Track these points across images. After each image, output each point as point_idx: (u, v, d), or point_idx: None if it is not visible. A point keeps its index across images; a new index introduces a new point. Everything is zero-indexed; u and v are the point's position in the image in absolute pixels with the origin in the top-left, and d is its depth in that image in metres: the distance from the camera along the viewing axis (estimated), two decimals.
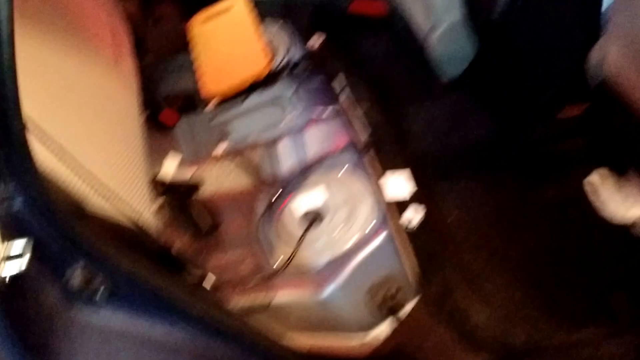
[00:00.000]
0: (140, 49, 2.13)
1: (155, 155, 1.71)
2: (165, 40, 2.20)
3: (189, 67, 2.07)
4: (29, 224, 0.79)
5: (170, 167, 1.69)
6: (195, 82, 2.00)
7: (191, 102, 1.93)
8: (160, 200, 1.58)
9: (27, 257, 0.77)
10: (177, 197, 1.60)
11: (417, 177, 1.70)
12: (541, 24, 1.56)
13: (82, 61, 1.33)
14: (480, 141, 1.87)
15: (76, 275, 0.83)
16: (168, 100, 1.91)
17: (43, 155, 0.89)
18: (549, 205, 1.73)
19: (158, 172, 1.68)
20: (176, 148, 1.80)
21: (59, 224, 0.80)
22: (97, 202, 1.01)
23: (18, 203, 0.77)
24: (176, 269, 1.11)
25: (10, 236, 0.77)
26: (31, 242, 0.78)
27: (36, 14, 1.26)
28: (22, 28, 1.15)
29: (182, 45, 2.17)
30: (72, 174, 0.95)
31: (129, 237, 1.06)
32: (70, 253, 0.82)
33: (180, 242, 1.57)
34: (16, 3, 1.13)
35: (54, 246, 0.81)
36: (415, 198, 1.61)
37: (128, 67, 1.58)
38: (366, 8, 2.31)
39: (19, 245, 0.77)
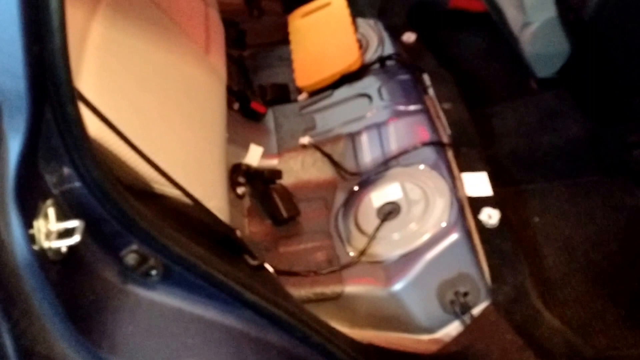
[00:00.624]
0: (242, 40, 2.22)
1: (244, 142, 1.78)
2: (266, 33, 2.28)
3: (286, 60, 2.14)
4: (86, 205, 0.81)
5: (256, 155, 1.76)
6: (289, 74, 2.06)
7: (284, 93, 1.99)
8: (243, 186, 1.65)
9: (81, 233, 0.78)
10: (260, 183, 1.66)
11: (499, 178, 1.67)
12: (634, 21, 1.50)
13: (169, 48, 1.40)
14: (571, 142, 1.82)
15: (131, 255, 0.86)
16: (261, 91, 1.98)
17: (107, 137, 0.93)
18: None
19: (242, 158, 1.74)
20: (264, 137, 1.87)
21: (114, 206, 0.82)
22: (163, 184, 1.06)
23: (75, 183, 0.79)
24: (236, 253, 1.16)
25: (65, 216, 0.78)
26: (84, 222, 0.79)
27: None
28: (109, 10, 1.22)
29: (281, 38, 2.24)
30: (136, 156, 0.99)
31: (192, 219, 1.11)
32: (125, 234, 0.85)
33: (258, 228, 1.62)
34: None
35: (110, 226, 0.83)
36: (494, 199, 1.58)
37: (218, 57, 1.65)
38: (466, 4, 2.29)
39: (74, 224, 0.78)
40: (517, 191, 1.75)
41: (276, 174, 1.68)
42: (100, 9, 1.21)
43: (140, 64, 1.25)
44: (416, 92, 1.84)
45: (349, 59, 1.95)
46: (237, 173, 1.65)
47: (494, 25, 2.04)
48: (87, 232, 0.80)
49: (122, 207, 0.83)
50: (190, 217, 1.11)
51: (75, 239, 0.77)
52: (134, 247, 0.86)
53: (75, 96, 0.76)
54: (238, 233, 1.16)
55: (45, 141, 0.77)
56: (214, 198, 1.26)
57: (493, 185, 1.63)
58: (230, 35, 2.12)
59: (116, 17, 1.24)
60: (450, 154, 1.68)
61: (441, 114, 1.79)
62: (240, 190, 1.64)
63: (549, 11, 1.75)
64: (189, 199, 1.06)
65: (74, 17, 1.10)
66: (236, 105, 1.84)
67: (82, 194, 0.80)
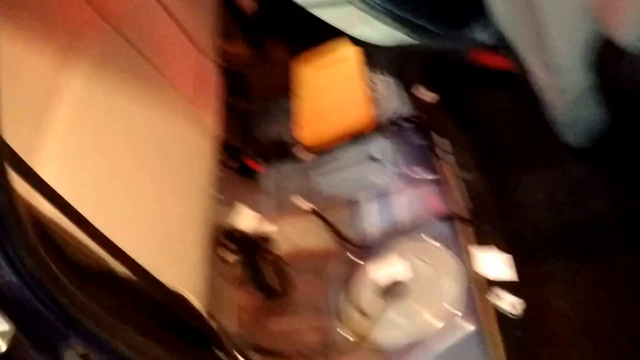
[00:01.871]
0: (246, 90, 2.06)
1: (237, 202, 1.61)
2: (270, 83, 2.12)
3: (288, 112, 1.97)
4: (22, 301, 0.70)
5: (250, 219, 1.58)
6: (291, 129, 1.88)
7: (286, 150, 1.82)
8: (235, 253, 1.46)
9: (9, 340, 0.69)
10: (251, 251, 1.48)
11: (521, 255, 1.47)
12: None
13: (152, 103, 1.25)
14: (602, 220, 1.61)
15: (69, 354, 0.73)
16: (262, 147, 1.80)
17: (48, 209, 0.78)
18: None
19: (234, 222, 1.56)
20: (262, 198, 1.69)
21: (53, 300, 0.71)
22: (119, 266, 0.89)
23: (10, 277, 0.69)
24: (206, 345, 0.97)
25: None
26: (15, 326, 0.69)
27: (110, 49, 1.19)
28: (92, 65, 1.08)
29: (286, 88, 2.08)
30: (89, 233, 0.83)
31: (158, 306, 0.93)
32: (65, 331, 0.73)
33: (248, 300, 1.43)
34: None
35: (48, 323, 0.72)
36: (517, 284, 1.38)
37: (209, 112, 1.48)
38: (489, 60, 2.11)
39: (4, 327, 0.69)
40: (540, 271, 1.54)
41: (270, 242, 1.49)
42: (82, 64, 1.06)
43: (117, 123, 1.12)
44: (432, 158, 1.66)
45: (360, 118, 1.79)
46: (229, 238, 1.46)
47: (519, 85, 1.86)
48: (23, 331, 0.70)
49: (61, 302, 0.72)
50: (155, 303, 0.92)
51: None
52: (75, 345, 0.74)
53: (7, 182, 0.66)
54: (212, 324, 0.96)
55: None
56: (190, 278, 1.08)
57: (515, 265, 1.42)
58: (233, 85, 1.97)
59: (97, 73, 1.09)
60: (467, 230, 1.47)
61: (459, 184, 1.59)
62: (230, 257, 1.46)
63: (587, 77, 1.56)
64: (154, 286, 0.88)
65: (41, 71, 0.99)
66: (232, 163, 1.66)
67: (17, 288, 0.69)
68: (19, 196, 0.71)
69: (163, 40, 1.43)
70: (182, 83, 1.42)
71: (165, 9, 1.52)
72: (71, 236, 0.86)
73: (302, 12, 2.13)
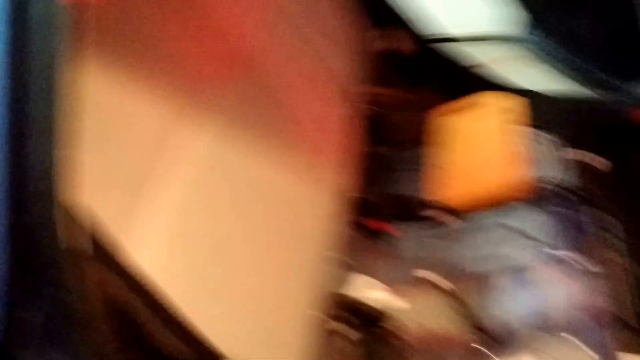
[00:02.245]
0: (387, 136, 1.90)
1: (364, 269, 1.44)
2: (417, 130, 1.93)
3: (432, 166, 1.77)
4: None
5: (375, 289, 1.40)
6: (434, 186, 1.68)
7: (415, 208, 1.62)
8: (339, 322, 1.29)
9: None
10: (361, 323, 1.30)
11: None
12: None
13: (276, 158, 1.12)
14: None
15: None
16: (396, 204, 1.62)
17: None
18: None
19: (358, 292, 1.39)
20: (379, 261, 1.51)
21: None
22: None
23: None
24: None
25: None
26: None
27: (243, 98, 1.08)
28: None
29: (433, 137, 1.89)
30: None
31: None
32: None
33: None
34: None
35: None
36: None
37: (340, 165, 1.33)
38: None
39: None
40: None
41: (381, 315, 1.31)
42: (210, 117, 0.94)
43: (233, 185, 0.97)
44: (595, 243, 1.38)
45: (514, 182, 1.55)
46: (336, 305, 1.30)
47: None
48: None
49: None
50: None
51: None
52: None
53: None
54: None
55: None
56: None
57: None
58: (375, 130, 1.82)
59: (226, 128, 0.97)
60: (630, 340, 1.20)
61: (628, 280, 1.32)
62: (352, 334, 1.29)
63: None
64: None
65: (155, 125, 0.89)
66: (363, 222, 1.50)
67: None
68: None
69: (300, 83, 1.31)
70: (316, 133, 1.28)
71: (309, 45, 1.40)
72: None
73: (461, 55, 1.95)
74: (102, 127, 0.75)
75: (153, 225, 0.87)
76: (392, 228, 1.54)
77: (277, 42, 1.27)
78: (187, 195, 0.93)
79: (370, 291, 1.39)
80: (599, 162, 1.63)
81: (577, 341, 1.20)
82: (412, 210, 1.63)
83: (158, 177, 0.90)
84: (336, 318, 1.30)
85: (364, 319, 1.31)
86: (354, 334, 1.30)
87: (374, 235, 1.54)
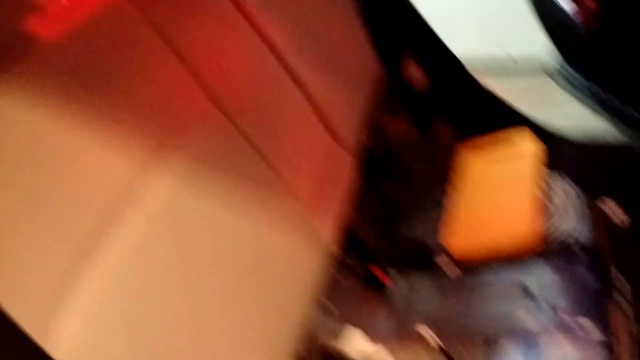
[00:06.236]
0: (399, 174, 1.82)
1: (351, 317, 1.36)
2: (430, 170, 1.85)
3: (442, 210, 1.69)
4: None
5: (355, 340, 1.32)
6: (438, 230, 1.60)
7: (423, 256, 1.53)
8: None
9: None
10: None
11: None
12: None
13: (254, 210, 1.05)
14: None
15: None
16: (397, 249, 1.54)
17: None
18: None
19: (343, 345, 1.31)
20: (379, 313, 1.43)
21: None
22: None
23: None
24: None
25: None
26: None
27: (216, 144, 1.01)
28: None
29: (447, 178, 1.80)
30: None
31: None
32: None
33: None
34: None
35: None
36: None
37: (328, 219, 1.25)
38: None
39: None
40: None
41: None
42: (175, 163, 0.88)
43: (202, 238, 0.90)
44: (599, 306, 1.28)
45: (525, 234, 1.46)
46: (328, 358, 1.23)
47: None
48: None
49: None
50: None
51: None
52: None
53: None
54: None
55: None
56: None
57: None
58: (388, 167, 1.75)
59: (191, 175, 0.91)
60: None
61: (632, 347, 1.21)
62: None
63: None
64: None
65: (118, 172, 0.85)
66: (357, 265, 1.42)
67: None
68: None
69: (291, 128, 1.24)
70: (303, 182, 1.21)
71: (304, 87, 1.33)
72: None
73: (478, 89, 1.85)
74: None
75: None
76: (391, 278, 1.45)
77: (268, 82, 1.19)
78: (141, 251, 0.86)
79: (360, 344, 1.31)
80: (619, 216, 1.52)
81: None
82: (418, 258, 1.54)
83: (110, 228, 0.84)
84: None
85: None
86: None
87: (372, 282, 1.44)
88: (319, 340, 1.24)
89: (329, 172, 1.29)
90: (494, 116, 1.82)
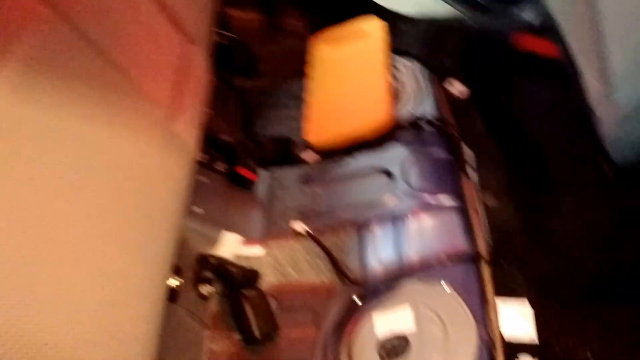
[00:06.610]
0: (252, 68, 1.81)
1: (222, 219, 1.38)
2: (282, 59, 1.86)
3: (299, 101, 1.72)
4: None
5: (231, 244, 1.35)
6: (298, 123, 1.64)
7: (287, 150, 1.57)
8: (210, 284, 1.25)
9: None
10: (230, 285, 1.27)
11: (548, 299, 1.24)
12: None
13: (106, 117, 1.00)
14: None
15: None
16: (258, 144, 1.56)
17: None
18: None
19: (212, 247, 1.34)
20: (250, 212, 1.46)
21: None
22: None
23: None
24: None
25: None
26: None
27: (53, 45, 0.94)
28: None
29: (300, 68, 1.82)
30: None
31: None
32: None
33: (222, 345, 1.23)
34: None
35: None
36: (539, 348, 1.16)
37: (189, 119, 1.24)
38: (537, 46, 1.82)
39: None
40: (570, 320, 1.30)
41: (252, 275, 1.28)
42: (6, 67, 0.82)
43: (47, 148, 0.85)
44: (453, 178, 1.39)
45: (378, 116, 1.52)
46: (204, 266, 1.25)
47: (567, 80, 1.57)
48: None
49: None
50: None
51: None
52: None
53: None
54: None
55: None
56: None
57: (541, 316, 1.20)
58: (238, 60, 1.72)
59: (27, 81, 0.84)
60: (486, 272, 1.24)
61: (482, 211, 1.35)
62: (205, 289, 1.25)
63: None
64: None
65: None
66: (221, 166, 1.43)
67: None
68: None
69: (137, 27, 1.18)
70: (158, 86, 1.17)
71: None
72: None
73: None
74: None
75: None
76: (256, 173, 1.48)
77: None
78: None
79: (235, 247, 1.35)
80: (460, 90, 1.63)
81: (443, 284, 1.22)
82: (283, 151, 1.58)
83: None
84: (205, 281, 1.25)
85: (218, 274, 1.26)
86: (207, 290, 1.26)
87: (240, 183, 1.47)
88: (195, 249, 1.25)
89: (184, 73, 1.26)
90: (343, 6, 1.84)
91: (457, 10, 1.96)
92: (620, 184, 1.45)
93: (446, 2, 2.05)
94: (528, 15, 1.87)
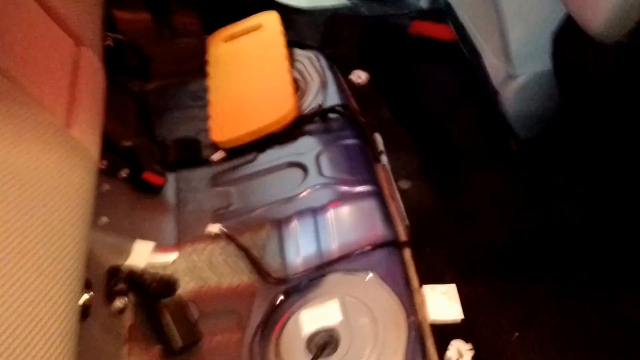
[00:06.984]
0: (146, 70, 1.73)
1: (131, 228, 1.31)
2: (180, 60, 1.79)
3: (202, 99, 1.66)
4: None
5: (143, 252, 1.28)
6: (204, 121, 1.58)
7: (193, 152, 1.51)
8: (125, 296, 1.18)
9: None
10: (146, 295, 1.20)
11: (472, 277, 1.26)
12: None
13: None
14: (563, 231, 1.39)
15: None
16: (163, 148, 1.49)
17: None
18: None
19: (128, 257, 1.27)
20: (161, 219, 1.39)
21: None
22: None
23: None
24: None
25: None
26: None
27: None
28: None
29: (198, 66, 1.76)
30: None
31: None
32: None
33: (142, 358, 1.16)
34: None
35: None
36: (466, 328, 1.16)
37: (88, 125, 1.16)
38: (432, 31, 1.84)
39: None
40: (494, 296, 1.32)
41: (169, 283, 1.21)
42: None
43: None
44: (367, 165, 1.38)
45: (280, 110, 1.49)
46: (116, 278, 1.17)
47: (465, 61, 1.61)
48: None
49: None
50: None
51: None
52: None
53: None
54: None
55: None
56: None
57: (464, 293, 1.20)
58: (130, 63, 1.64)
59: None
60: (408, 255, 1.24)
61: (397, 195, 1.34)
62: (119, 302, 1.17)
63: (539, 63, 1.32)
64: None
65: None
66: (125, 172, 1.35)
67: None
68: None
69: (24, 33, 1.09)
70: (53, 93, 1.09)
71: None
72: None
73: None
74: None
75: None
76: (163, 177, 1.41)
77: None
78: None
79: (150, 257, 1.28)
80: (362, 76, 1.63)
81: (365, 271, 1.20)
82: (189, 152, 1.52)
83: None
84: (118, 293, 1.17)
85: (132, 284, 1.19)
86: (120, 302, 1.19)
87: (148, 189, 1.40)
88: (105, 261, 1.18)
89: (78, 77, 1.18)
90: (238, 3, 1.80)
91: (350, 0, 1.97)
92: (524, 158, 1.49)
93: None
94: (421, 1, 1.90)
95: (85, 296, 1.06)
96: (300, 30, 1.78)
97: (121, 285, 1.19)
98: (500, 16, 1.29)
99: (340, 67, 1.67)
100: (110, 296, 1.18)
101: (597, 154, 1.35)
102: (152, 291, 1.18)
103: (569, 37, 1.19)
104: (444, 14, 1.69)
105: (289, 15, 1.79)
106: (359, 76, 1.65)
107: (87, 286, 1.08)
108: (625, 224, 1.34)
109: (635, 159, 1.22)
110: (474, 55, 1.50)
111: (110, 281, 1.18)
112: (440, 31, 1.80)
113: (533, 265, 1.35)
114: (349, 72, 1.65)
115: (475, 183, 1.46)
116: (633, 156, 1.23)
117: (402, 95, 1.67)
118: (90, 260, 1.06)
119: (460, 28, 1.57)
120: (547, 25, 1.22)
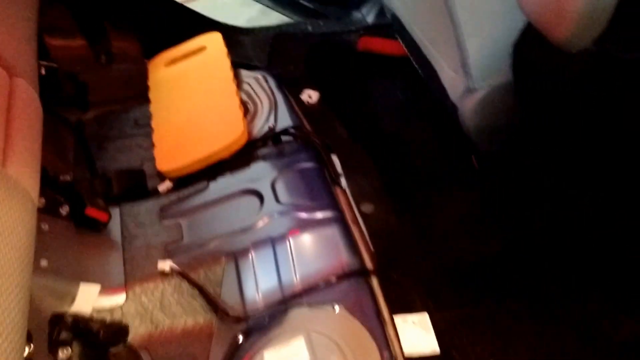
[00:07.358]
0: (84, 98, 1.62)
1: (75, 270, 1.20)
2: (118, 86, 1.68)
3: (145, 126, 1.56)
4: None
5: (89, 296, 1.17)
6: (149, 149, 1.48)
7: (138, 183, 1.41)
8: (69, 345, 1.07)
9: None
10: (93, 344, 1.09)
11: (445, 302, 1.19)
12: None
13: None
14: (533, 248, 1.34)
15: None
16: (105, 181, 1.38)
17: None
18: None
19: (67, 301, 1.15)
20: (106, 258, 1.28)
21: None
22: None
23: None
24: None
25: None
26: None
27: None
28: None
29: (139, 92, 1.66)
30: None
31: None
32: None
33: None
34: None
35: None
36: (441, 353, 1.10)
37: (26, 161, 1.05)
38: (381, 46, 1.80)
39: None
40: (468, 321, 1.26)
41: (118, 329, 1.10)
42: None
43: None
44: (325, 188, 1.31)
45: (230, 135, 1.41)
46: (59, 327, 1.06)
47: (412, 77, 1.56)
48: None
49: None
50: None
51: None
52: None
53: None
54: None
55: None
56: None
57: (435, 320, 1.14)
58: (66, 91, 1.53)
59: None
60: (376, 284, 1.16)
61: (360, 220, 1.27)
62: (63, 353, 1.06)
63: (499, 76, 1.27)
64: None
65: None
66: (65, 209, 1.24)
67: None
68: None
69: None
70: None
71: None
72: None
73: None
74: None
75: None
76: (106, 213, 1.30)
77: None
78: None
79: (97, 300, 1.17)
80: (313, 96, 1.56)
81: (330, 304, 1.12)
82: (133, 184, 1.41)
83: None
84: (62, 344, 1.06)
85: (95, 337, 1.08)
86: (64, 353, 1.08)
87: (92, 226, 1.29)
88: (46, 309, 1.06)
89: (15, 112, 1.08)
90: (179, 26, 1.72)
91: (294, 18, 1.91)
92: (485, 172, 1.44)
93: (282, 12, 1.99)
94: (369, 17, 1.85)
95: (25, 349, 0.95)
96: (245, 50, 1.71)
97: (65, 334, 1.07)
98: (457, 28, 1.24)
99: (289, 86, 1.60)
100: (53, 347, 1.06)
101: (560, 164, 1.31)
102: (100, 339, 1.07)
103: (530, 46, 1.15)
104: (392, 29, 1.64)
105: (233, 36, 1.72)
106: (310, 95, 1.58)
107: (28, 338, 0.97)
108: (597, 237, 1.30)
109: (601, 167, 1.19)
110: (429, 70, 1.45)
111: (52, 330, 1.07)
112: (390, 46, 1.75)
113: (504, 284, 1.30)
114: (299, 92, 1.58)
115: (438, 201, 1.41)
116: (598, 164, 1.20)
117: (355, 114, 1.61)
118: (31, 308, 0.96)
119: (411, 42, 1.52)
120: (506, 36, 1.18)
